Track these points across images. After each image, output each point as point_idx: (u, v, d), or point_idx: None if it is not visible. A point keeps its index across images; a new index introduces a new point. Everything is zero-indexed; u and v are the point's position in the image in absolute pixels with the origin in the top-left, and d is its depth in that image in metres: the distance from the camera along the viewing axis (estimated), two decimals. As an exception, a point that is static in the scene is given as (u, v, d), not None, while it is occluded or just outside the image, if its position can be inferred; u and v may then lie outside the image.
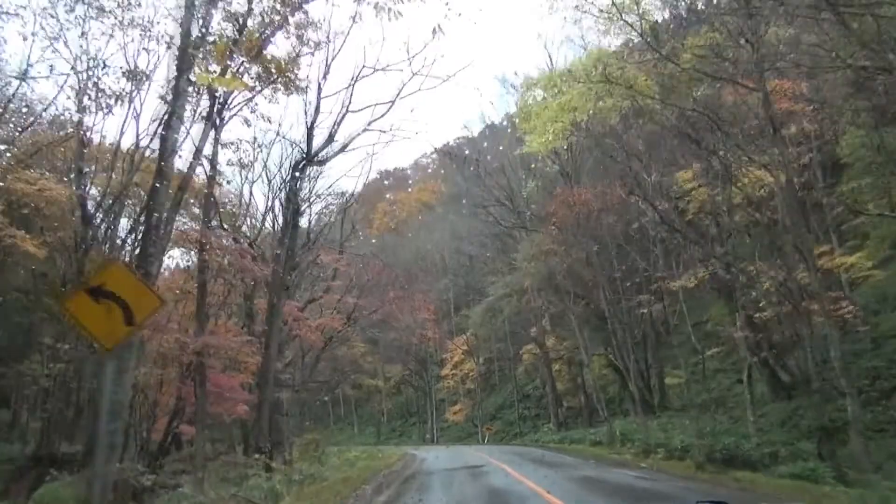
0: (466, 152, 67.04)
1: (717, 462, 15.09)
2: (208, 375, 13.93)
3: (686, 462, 15.75)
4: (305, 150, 14.72)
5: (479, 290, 43.45)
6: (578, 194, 20.26)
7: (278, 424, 21.64)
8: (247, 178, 20.36)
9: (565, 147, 24.44)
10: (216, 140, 14.89)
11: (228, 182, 17.84)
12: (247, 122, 15.42)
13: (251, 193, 21.38)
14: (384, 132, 15.96)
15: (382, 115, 15.28)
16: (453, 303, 60.51)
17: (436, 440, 52.08)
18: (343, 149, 15.04)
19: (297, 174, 14.98)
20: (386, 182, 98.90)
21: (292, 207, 14.86)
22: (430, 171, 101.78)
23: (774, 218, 23.03)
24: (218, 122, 14.99)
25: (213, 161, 14.68)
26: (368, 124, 15.12)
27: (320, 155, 15.03)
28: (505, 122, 52.38)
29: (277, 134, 16.33)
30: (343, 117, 14.65)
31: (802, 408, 22.41)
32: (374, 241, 50.15)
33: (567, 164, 28.52)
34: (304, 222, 21.50)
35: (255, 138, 16.04)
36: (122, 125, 17.35)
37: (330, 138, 14.68)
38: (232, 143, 14.91)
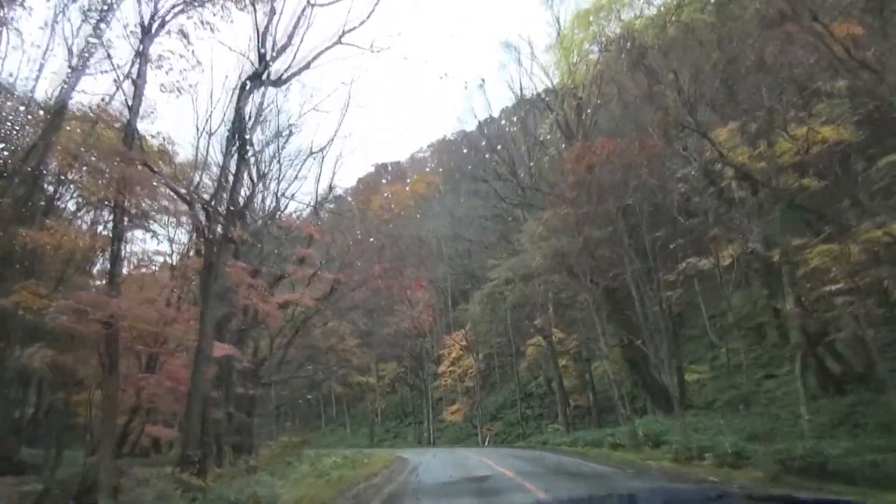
0: (465, 150, 63.90)
1: (794, 472, 11.69)
2: (119, 356, 10.33)
3: (751, 472, 12.28)
4: (256, 63, 11.17)
5: (478, 278, 40.03)
6: (602, 147, 16.62)
7: (246, 426, 18.12)
8: (204, 129, 16.76)
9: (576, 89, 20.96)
10: (142, 53, 11.32)
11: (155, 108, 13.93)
12: (184, 34, 11.84)
13: (209, 144, 18.04)
14: (363, 49, 12.23)
15: (361, 24, 11.79)
16: (451, 296, 57.20)
17: (432, 441, 48.87)
18: (308, 66, 11.50)
19: (245, 92, 11.39)
20: (384, 181, 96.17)
21: (238, 134, 11.24)
22: (427, 168, 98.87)
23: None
24: (146, 26, 11.41)
25: (137, 82, 11.15)
26: (342, 36, 11.61)
27: (277, 71, 11.53)
28: (504, 121, 49.33)
29: (243, 56, 12.48)
30: (306, 12, 11.11)
31: (862, 404, 19.12)
32: (371, 239, 46.47)
33: (576, 128, 25.06)
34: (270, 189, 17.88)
35: (193, 52, 12.31)
36: (44, 54, 13.69)
37: (288, 42, 11.13)
38: (162, 58, 11.35)
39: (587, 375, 36.82)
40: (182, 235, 23.00)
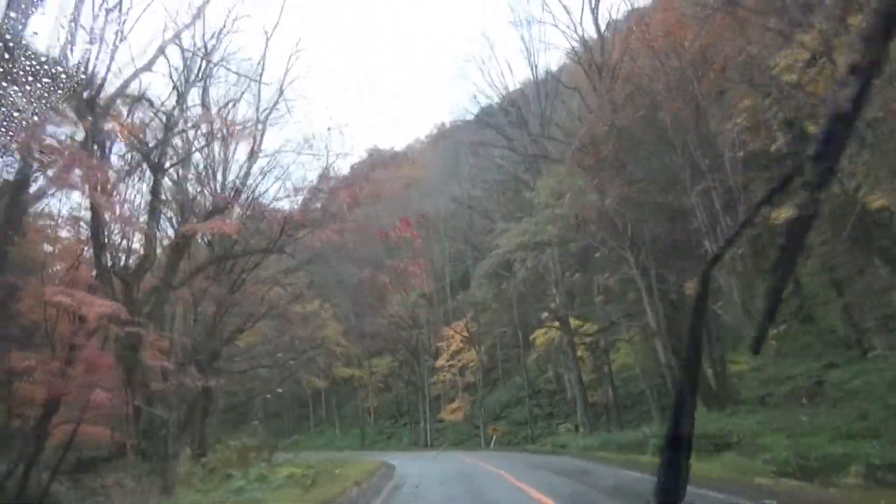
0: (463, 158, 58.31)
1: None
2: None
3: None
4: None
5: (481, 251, 34.90)
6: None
7: (160, 425, 12.96)
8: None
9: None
10: None
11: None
12: None
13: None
14: None
15: None
16: (450, 284, 52.05)
17: (430, 444, 43.80)
18: None
19: None
20: (383, 186, 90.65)
21: None
22: (430, 172, 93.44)
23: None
24: None
25: None
26: None
27: None
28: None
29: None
30: None
31: None
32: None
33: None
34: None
35: None
36: None
37: None
38: None
39: (605, 368, 31.91)
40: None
